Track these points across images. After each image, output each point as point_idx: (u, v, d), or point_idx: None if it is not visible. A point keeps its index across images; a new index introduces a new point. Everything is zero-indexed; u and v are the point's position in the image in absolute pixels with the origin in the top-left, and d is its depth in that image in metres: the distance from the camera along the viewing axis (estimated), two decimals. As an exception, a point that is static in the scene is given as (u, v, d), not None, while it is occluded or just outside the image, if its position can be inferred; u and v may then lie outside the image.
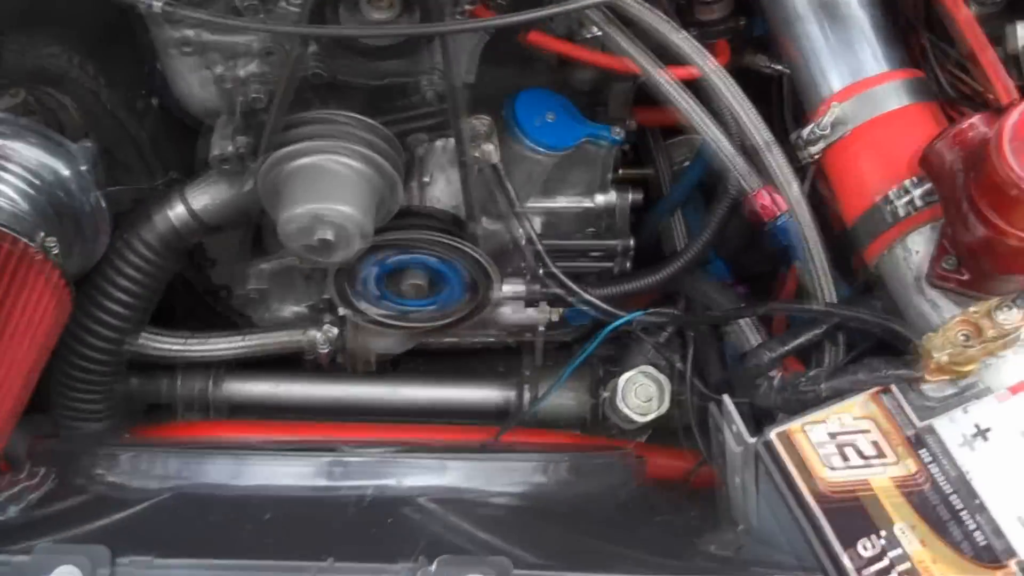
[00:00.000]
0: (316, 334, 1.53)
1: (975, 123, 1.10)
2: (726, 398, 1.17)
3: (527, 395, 1.60)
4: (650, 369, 1.51)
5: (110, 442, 1.36)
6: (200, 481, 1.16)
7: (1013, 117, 1.02)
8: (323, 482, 1.15)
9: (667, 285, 1.48)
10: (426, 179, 1.40)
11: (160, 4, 1.11)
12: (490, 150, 1.34)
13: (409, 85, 1.27)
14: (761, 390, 1.21)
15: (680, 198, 1.55)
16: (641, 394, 1.50)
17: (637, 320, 1.42)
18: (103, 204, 1.31)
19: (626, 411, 1.50)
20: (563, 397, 1.60)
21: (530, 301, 1.50)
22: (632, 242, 1.50)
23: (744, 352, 1.35)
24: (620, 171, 1.52)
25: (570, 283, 1.44)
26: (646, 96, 1.43)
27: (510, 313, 1.54)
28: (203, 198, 1.39)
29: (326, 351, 1.54)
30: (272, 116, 1.23)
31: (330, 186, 1.23)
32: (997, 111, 1.10)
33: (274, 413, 1.60)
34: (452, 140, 1.33)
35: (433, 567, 0.92)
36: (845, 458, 1.05)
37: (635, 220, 1.53)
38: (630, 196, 1.50)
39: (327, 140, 1.24)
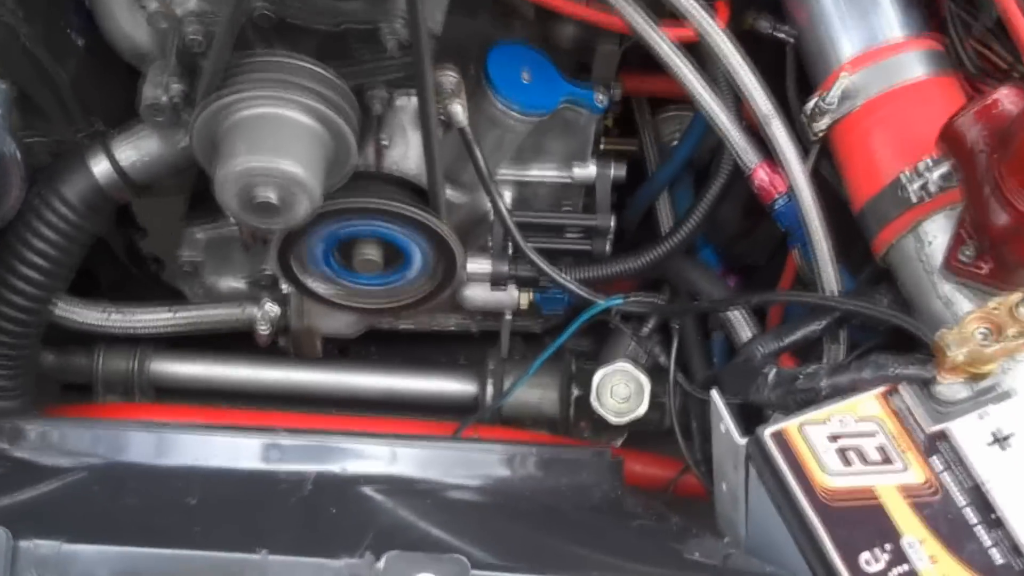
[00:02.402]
0: (255, 312, 1.52)
1: (1003, 97, 1.09)
2: (714, 393, 1.16)
3: (491, 390, 1.59)
4: (629, 365, 1.51)
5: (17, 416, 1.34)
6: (118, 459, 1.14)
7: (1048, 91, 1.01)
8: (258, 465, 1.13)
9: (651, 271, 1.47)
10: (384, 140, 1.37)
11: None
12: (457, 110, 1.32)
13: (368, 32, 1.24)
14: (754, 386, 1.20)
15: (668, 177, 1.54)
16: (618, 393, 1.50)
17: (616, 308, 1.42)
18: (18, 155, 1.29)
19: (601, 411, 1.50)
20: (531, 394, 1.60)
21: (497, 282, 1.49)
22: (613, 222, 1.48)
23: (736, 347, 1.35)
24: (603, 143, 1.51)
25: (542, 263, 1.42)
26: (635, 61, 1.43)
27: (475, 296, 1.53)
28: (131, 152, 1.37)
29: (266, 332, 1.53)
30: (211, 61, 1.20)
31: (274, 141, 1.20)
32: (1029, 84, 1.10)
33: (206, 398, 1.60)
34: (415, 97, 1.31)
35: (381, 563, 0.90)
36: (847, 462, 1.03)
37: (618, 199, 1.53)
38: (612, 171, 1.48)
39: (272, 89, 1.21)
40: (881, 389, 1.09)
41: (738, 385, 1.24)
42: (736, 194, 1.44)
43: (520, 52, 1.38)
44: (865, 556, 0.98)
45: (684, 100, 1.36)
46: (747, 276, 1.61)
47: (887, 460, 1.04)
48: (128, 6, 1.26)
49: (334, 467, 1.13)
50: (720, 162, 1.40)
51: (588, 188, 1.50)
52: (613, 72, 1.43)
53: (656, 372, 1.52)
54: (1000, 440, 1.03)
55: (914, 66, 1.23)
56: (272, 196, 1.19)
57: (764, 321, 1.45)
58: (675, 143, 1.56)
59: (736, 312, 1.41)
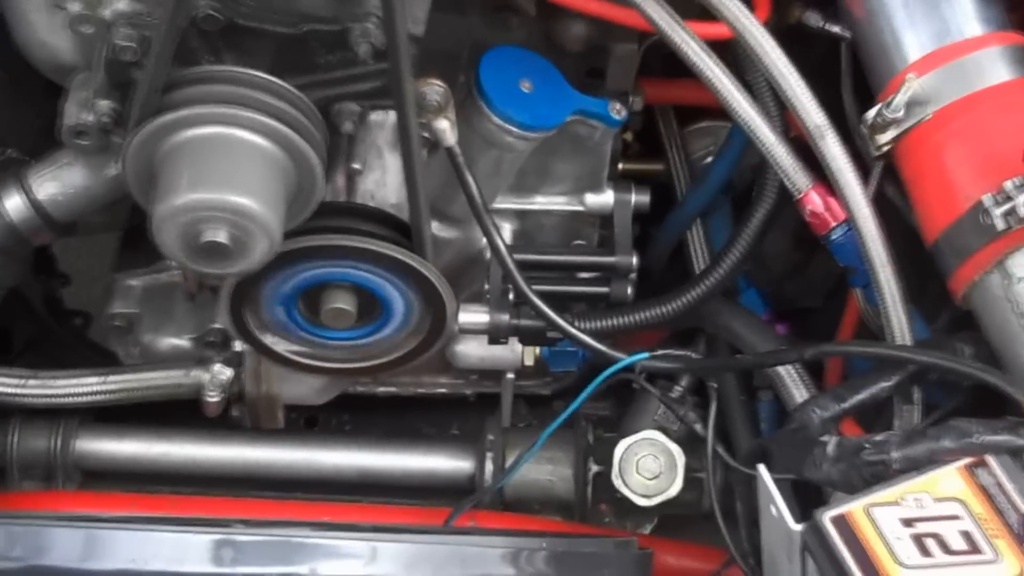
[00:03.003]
0: (203, 376, 1.53)
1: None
2: (762, 469, 1.15)
3: (490, 467, 1.59)
4: (658, 435, 1.51)
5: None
6: (37, 563, 1.13)
7: None
8: (209, 568, 1.12)
9: (682, 319, 1.48)
10: (357, 165, 1.39)
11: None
12: (444, 127, 1.32)
13: (335, 35, 1.25)
14: (810, 459, 1.19)
15: (701, 204, 1.55)
16: (646, 468, 1.51)
17: (641, 365, 1.40)
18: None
19: (625, 491, 1.50)
20: (539, 471, 1.60)
21: (496, 335, 1.48)
22: (635, 260, 1.49)
23: (787, 411, 1.35)
24: (621, 165, 1.52)
25: (550, 312, 1.42)
26: (657, 65, 1.44)
27: (469, 352, 1.55)
28: (51, 185, 1.38)
29: (216, 400, 1.53)
30: (147, 73, 1.21)
31: (224, 168, 1.21)
32: None
33: (144, 483, 1.60)
34: (393, 113, 1.32)
35: None
36: (925, 552, 1.02)
37: (641, 232, 1.54)
38: (633, 197, 1.49)
39: (222, 106, 1.22)
40: (965, 461, 1.09)
41: (791, 458, 1.23)
42: (784, 223, 1.45)
43: (519, 57, 1.39)
44: (950, 670, 0.98)
45: (718, 110, 1.37)
46: (799, 323, 1.61)
47: (974, 549, 1.03)
48: (45, 8, 1.27)
49: (301, 569, 1.12)
50: (764, 185, 1.41)
51: (605, 219, 1.51)
52: (632, 78, 1.44)
53: (691, 443, 1.52)
54: (1113, 523, 1.02)
55: (996, 66, 1.23)
56: (222, 236, 1.20)
57: (821, 378, 1.45)
58: (708, 162, 1.57)
59: (787, 368, 1.41)
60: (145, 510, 1.51)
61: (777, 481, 1.14)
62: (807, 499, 1.21)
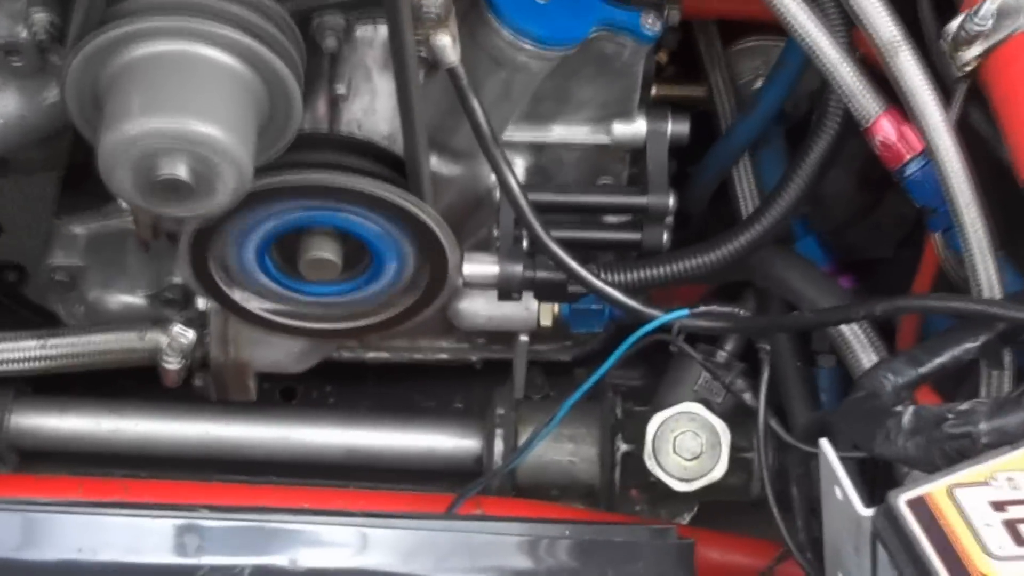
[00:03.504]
0: (160, 339, 1.54)
1: None
2: (824, 444, 1.14)
3: (500, 446, 1.60)
4: (699, 408, 1.52)
5: None
6: None
7: None
8: (170, 558, 1.13)
9: (728, 271, 1.49)
10: (341, 89, 1.38)
11: None
12: (446, 44, 1.31)
13: None
14: (882, 433, 1.18)
15: (749, 135, 1.56)
16: (685, 447, 1.51)
17: (679, 324, 1.40)
18: None
19: (660, 474, 1.51)
20: (558, 451, 1.61)
21: (507, 290, 1.48)
22: (672, 200, 1.48)
23: (853, 378, 1.36)
24: (654, 89, 1.51)
25: (572, 262, 1.41)
26: None
27: (476, 310, 1.56)
28: None
29: (175, 367, 1.54)
30: None
31: (184, 92, 1.21)
32: None
33: (92, 464, 1.60)
34: (383, 26, 1.31)
35: None
36: (1020, 540, 1.02)
37: (678, 168, 1.54)
38: (669, 127, 1.49)
39: (180, 18, 1.22)
40: (1065, 434, 1.09)
41: (859, 432, 1.23)
42: (849, 158, 1.45)
43: (533, -42, 1.38)
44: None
45: (770, 24, 1.37)
46: (866, 275, 1.61)
47: (1076, 536, 1.03)
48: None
49: (278, 559, 1.12)
50: (825, 112, 1.40)
51: (635, 153, 1.50)
52: (667, -16, 1.44)
53: (738, 416, 1.53)
54: None
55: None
56: (182, 171, 1.19)
57: (893, 339, 1.46)
58: (758, 86, 1.57)
59: (853, 327, 1.41)
60: (93, 496, 1.51)
61: (842, 459, 1.14)
62: (876, 481, 1.24)
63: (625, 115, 1.48)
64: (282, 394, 1.71)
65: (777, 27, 1.32)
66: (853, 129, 1.35)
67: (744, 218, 1.49)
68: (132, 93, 1.21)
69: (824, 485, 1.15)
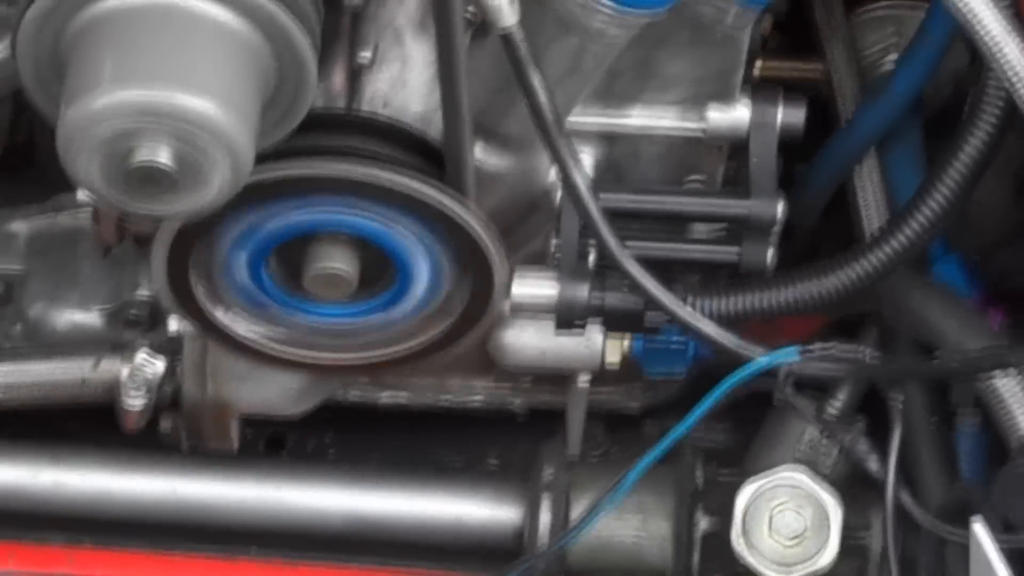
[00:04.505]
0: (120, 369, 1.55)
1: None
2: (979, 528, 1.17)
3: (546, 518, 1.61)
4: (803, 476, 1.53)
5: None
6: None
7: None
8: None
9: (848, 301, 1.49)
10: (364, 56, 1.40)
11: None
12: (500, 2, 1.31)
13: None
14: None
15: (877, 127, 1.57)
16: (784, 526, 1.53)
17: (787, 368, 1.42)
18: None
19: (751, 560, 1.53)
20: (622, 526, 1.62)
21: (567, 318, 1.48)
22: (781, 207, 1.49)
23: (1004, 443, 1.37)
24: (760, 64, 1.53)
25: (653, 284, 1.42)
26: None
27: (524, 343, 1.57)
28: None
29: (138, 406, 1.55)
30: None
31: (168, 56, 1.22)
32: None
33: (27, 529, 1.61)
34: None
35: None
36: None
37: (784, 167, 1.53)
38: (779, 115, 1.50)
39: None
40: None
41: (1015, 510, 1.25)
42: (1006, 160, 1.46)
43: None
44: None
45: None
46: (1022, 308, 1.61)
47: None
48: None
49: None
50: (980, 100, 1.40)
51: (735, 147, 1.51)
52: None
53: (854, 487, 1.54)
54: None
55: None
56: (164, 155, 1.21)
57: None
58: (889, 65, 1.59)
59: (1009, 378, 1.41)
60: (27, 568, 1.54)
61: (999, 544, 1.17)
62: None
63: (723, 97, 1.48)
64: (268, 443, 1.73)
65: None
66: (1014, 122, 1.36)
67: (871, 235, 1.49)
68: (103, 56, 1.22)
69: (975, 567, 1.18)
